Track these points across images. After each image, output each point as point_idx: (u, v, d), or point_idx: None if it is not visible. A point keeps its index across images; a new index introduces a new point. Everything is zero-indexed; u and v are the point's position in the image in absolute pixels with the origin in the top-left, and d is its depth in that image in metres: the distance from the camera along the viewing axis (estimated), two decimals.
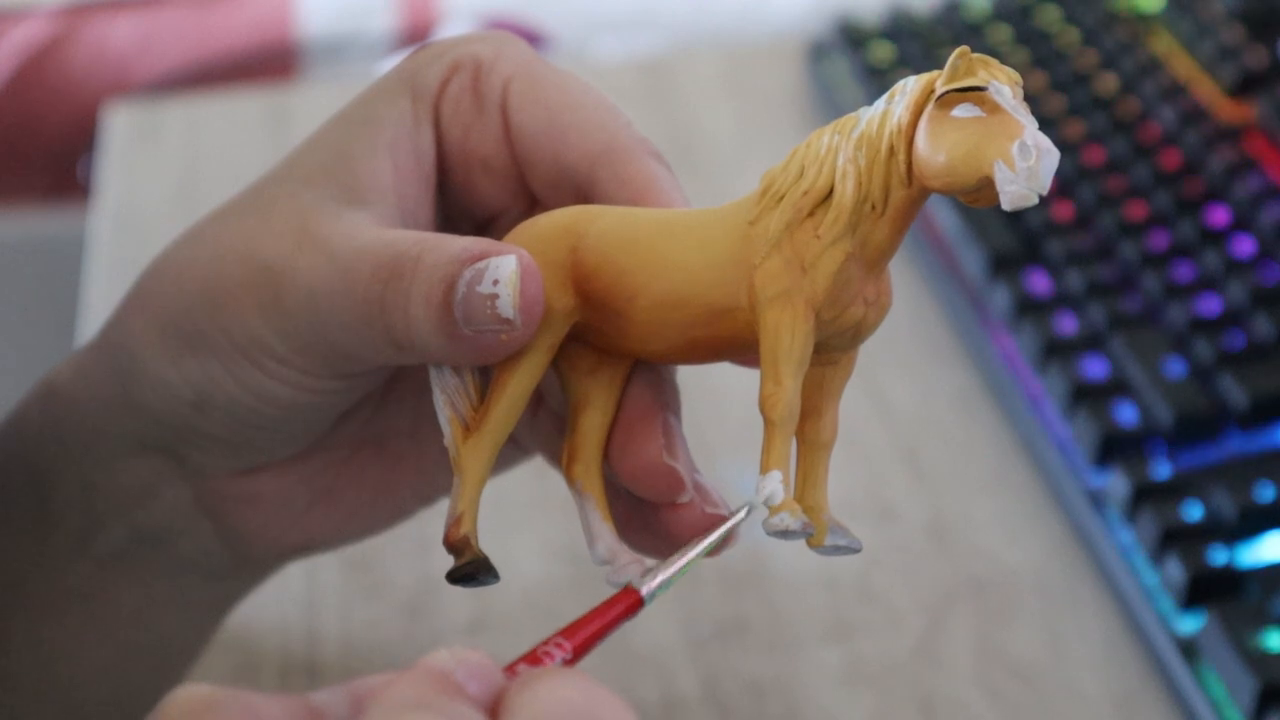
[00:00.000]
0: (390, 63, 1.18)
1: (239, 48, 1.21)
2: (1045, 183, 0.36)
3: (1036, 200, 0.36)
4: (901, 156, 0.38)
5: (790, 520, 0.38)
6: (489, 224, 0.48)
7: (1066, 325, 0.68)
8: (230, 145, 0.91)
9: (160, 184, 0.88)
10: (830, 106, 0.87)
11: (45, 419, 0.49)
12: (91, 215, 0.87)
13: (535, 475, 0.63)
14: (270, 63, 1.21)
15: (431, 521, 0.53)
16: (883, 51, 0.88)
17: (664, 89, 0.92)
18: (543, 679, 0.33)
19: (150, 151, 0.90)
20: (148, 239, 0.82)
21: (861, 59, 0.87)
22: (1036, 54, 0.85)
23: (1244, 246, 0.69)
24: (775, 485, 0.39)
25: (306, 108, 0.93)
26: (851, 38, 0.89)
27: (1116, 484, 0.61)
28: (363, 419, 0.49)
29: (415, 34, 1.22)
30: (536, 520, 0.63)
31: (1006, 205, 0.36)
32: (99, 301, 0.78)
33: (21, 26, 1.21)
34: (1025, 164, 0.36)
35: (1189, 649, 0.55)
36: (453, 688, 0.32)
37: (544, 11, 1.20)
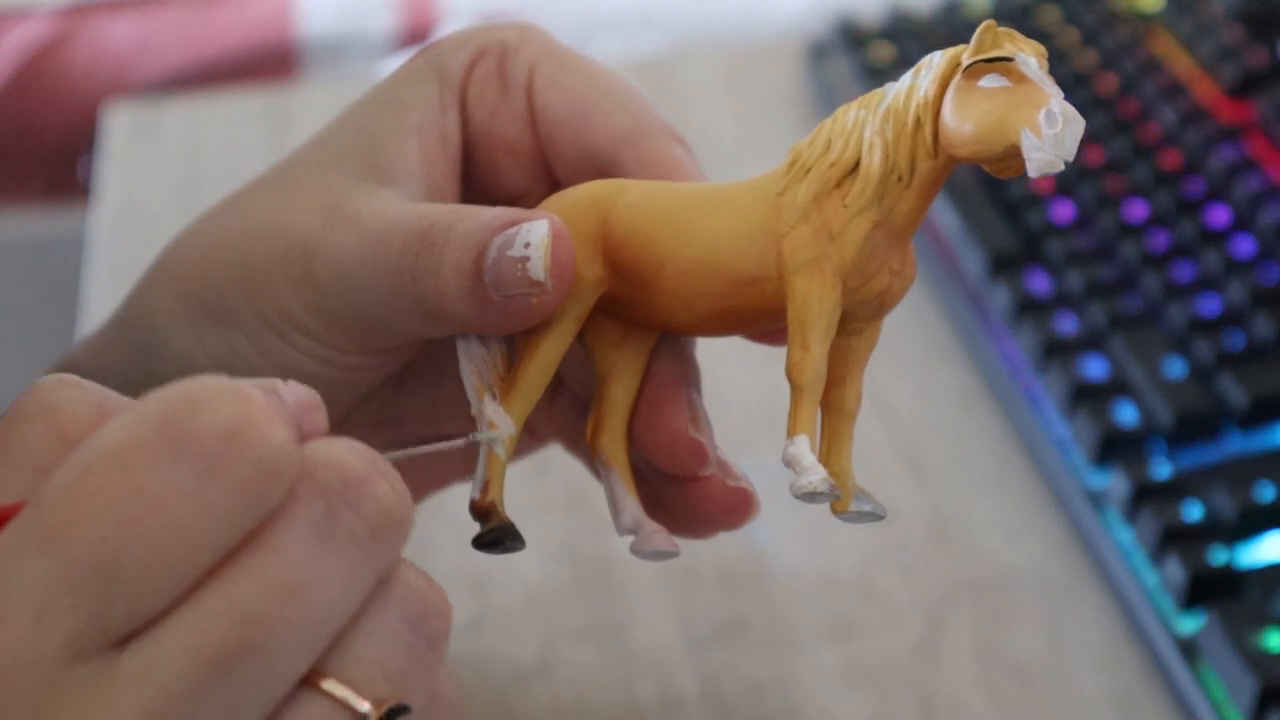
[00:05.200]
0: (390, 63, 1.18)
1: (239, 48, 1.21)
2: (1071, 150, 0.36)
3: (1063, 167, 0.36)
4: (928, 128, 0.38)
5: (818, 482, 0.39)
6: (511, 206, 0.48)
7: (1066, 325, 0.68)
8: (230, 145, 0.91)
9: (160, 184, 0.87)
10: (830, 107, 0.87)
11: None
12: (91, 215, 0.87)
13: (535, 475, 0.63)
14: (270, 63, 1.21)
15: (432, 519, 0.53)
16: (883, 51, 0.88)
17: (664, 89, 0.92)
18: None
19: (150, 151, 0.90)
20: (148, 239, 0.82)
21: (861, 59, 0.87)
22: None
23: (1244, 246, 0.69)
24: (802, 448, 0.39)
25: (306, 108, 0.93)
26: (851, 38, 0.89)
27: (1116, 484, 0.61)
28: (381, 400, 0.49)
29: (415, 34, 1.22)
30: (536, 520, 0.63)
31: (1033, 172, 0.36)
32: (99, 301, 0.77)
33: (21, 26, 1.21)
34: (1052, 131, 0.36)
35: (1189, 649, 0.55)
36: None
37: (544, 11, 1.20)
